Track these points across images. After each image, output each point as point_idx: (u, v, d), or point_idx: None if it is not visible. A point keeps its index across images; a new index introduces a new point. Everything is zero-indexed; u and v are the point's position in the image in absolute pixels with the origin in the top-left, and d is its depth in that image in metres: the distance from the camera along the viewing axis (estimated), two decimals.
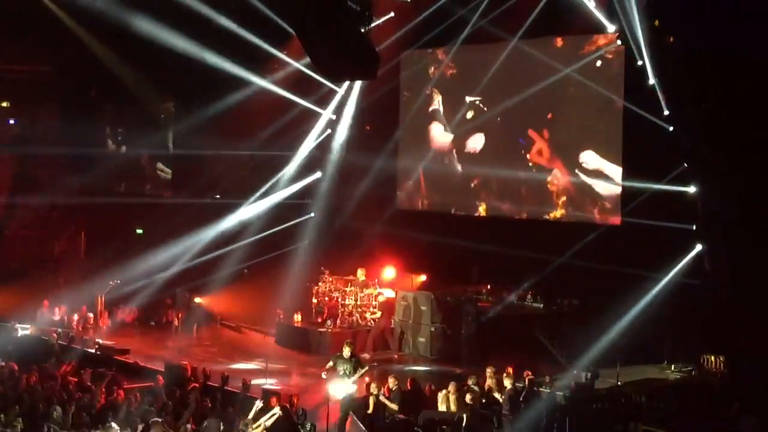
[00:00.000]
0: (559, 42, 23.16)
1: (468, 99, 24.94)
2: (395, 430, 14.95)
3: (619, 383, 18.07)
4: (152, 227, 26.14)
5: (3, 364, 17.22)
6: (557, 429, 15.22)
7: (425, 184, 26.65)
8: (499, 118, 24.45)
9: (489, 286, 25.47)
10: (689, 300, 21.43)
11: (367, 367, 16.18)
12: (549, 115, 23.63)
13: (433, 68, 26.01)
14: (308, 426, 14.66)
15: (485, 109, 24.70)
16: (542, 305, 24.29)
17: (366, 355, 21.57)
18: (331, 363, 15.87)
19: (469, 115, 25.15)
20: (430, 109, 26.08)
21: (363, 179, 26.51)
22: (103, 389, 15.95)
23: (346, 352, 15.97)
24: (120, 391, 15.75)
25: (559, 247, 22.99)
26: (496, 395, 16.29)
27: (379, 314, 23.01)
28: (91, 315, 24.12)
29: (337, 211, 26.52)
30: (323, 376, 15.82)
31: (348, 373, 15.54)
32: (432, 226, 25.51)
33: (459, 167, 25.80)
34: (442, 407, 15.33)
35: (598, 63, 22.33)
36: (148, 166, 27.49)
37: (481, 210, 25.58)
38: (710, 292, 21.09)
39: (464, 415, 14.85)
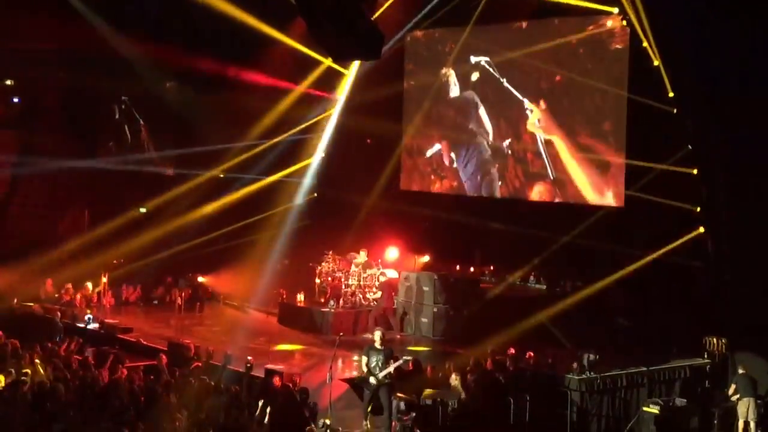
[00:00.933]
0: (563, 22, 23.02)
1: (473, 59, 24.76)
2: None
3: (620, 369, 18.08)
4: (155, 205, 26.03)
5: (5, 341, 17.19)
6: (560, 410, 15.22)
7: (429, 164, 26.59)
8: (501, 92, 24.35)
9: (492, 267, 25.51)
10: (691, 282, 21.45)
11: (402, 360, 14.86)
12: (551, 93, 23.53)
13: (439, 47, 25.87)
14: (311, 404, 14.65)
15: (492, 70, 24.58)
16: (545, 287, 24.35)
17: (369, 335, 21.61)
18: (364, 358, 14.86)
19: (474, 76, 25.01)
20: (435, 87, 25.96)
21: (366, 159, 26.48)
22: (107, 368, 15.95)
23: (378, 340, 14.81)
24: (123, 369, 15.75)
25: (562, 228, 22.97)
26: (498, 376, 16.30)
27: (379, 294, 23.00)
28: (94, 294, 24.13)
29: (339, 191, 26.43)
30: (328, 380, 14.72)
31: (380, 365, 14.48)
32: (435, 206, 25.49)
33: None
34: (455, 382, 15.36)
35: (603, 43, 22.21)
36: (147, 142, 27.42)
37: (484, 191, 25.54)
38: (713, 274, 21.10)
39: (462, 395, 14.88)
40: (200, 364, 16.99)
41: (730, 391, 16.73)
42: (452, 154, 26.10)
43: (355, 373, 16.52)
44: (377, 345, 14.80)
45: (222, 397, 14.40)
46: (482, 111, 24.96)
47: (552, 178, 23.59)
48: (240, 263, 24.94)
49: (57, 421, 12.49)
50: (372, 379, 14.37)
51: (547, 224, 22.80)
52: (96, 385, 14.79)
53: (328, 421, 14.10)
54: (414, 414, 14.62)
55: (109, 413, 12.88)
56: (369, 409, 14.35)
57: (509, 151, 24.49)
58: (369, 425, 14.26)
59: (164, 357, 17.12)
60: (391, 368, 14.41)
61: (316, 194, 27.19)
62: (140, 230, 24.55)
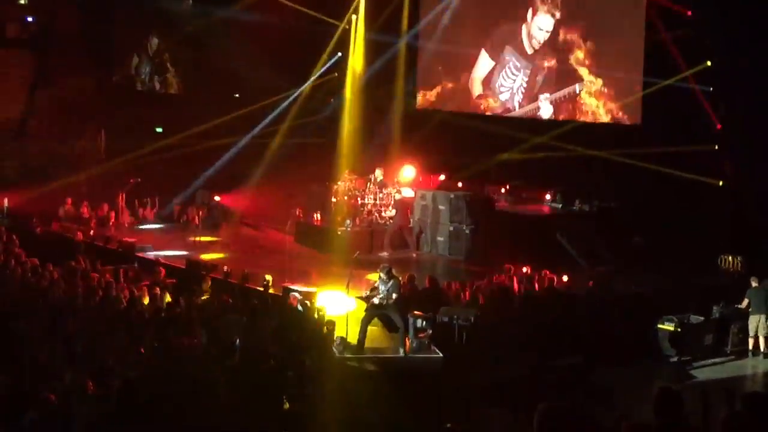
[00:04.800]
0: None
1: None
2: None
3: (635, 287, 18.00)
4: (171, 125, 25.92)
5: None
6: (573, 328, 15.16)
7: (445, 83, 26.30)
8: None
9: (508, 186, 25.33)
10: (709, 200, 21.27)
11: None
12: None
13: None
14: (328, 322, 14.62)
15: None
16: (561, 205, 24.20)
17: (384, 253, 21.58)
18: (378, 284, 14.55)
19: None
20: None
21: (383, 79, 26.19)
22: (125, 285, 15.97)
23: (384, 274, 14.38)
24: (143, 287, 15.77)
25: (579, 145, 22.78)
26: (514, 293, 16.24)
27: (394, 212, 22.87)
28: (112, 212, 24.14)
29: (357, 110, 26.20)
30: (346, 291, 14.70)
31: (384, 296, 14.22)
32: (452, 125, 25.26)
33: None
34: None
35: None
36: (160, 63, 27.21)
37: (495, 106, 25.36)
38: (730, 191, 20.91)
39: (476, 313, 14.84)
40: (218, 276, 17.05)
41: (743, 305, 16.66)
42: (473, 74, 25.87)
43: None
44: (384, 278, 14.47)
45: (239, 316, 14.41)
46: (505, 27, 24.73)
47: (571, 95, 23.35)
48: (257, 183, 24.85)
49: (76, 337, 12.51)
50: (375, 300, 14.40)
51: (564, 142, 22.60)
52: (115, 303, 14.82)
53: (344, 337, 14.12)
54: (430, 331, 14.60)
55: (128, 330, 12.90)
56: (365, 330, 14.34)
57: (529, 68, 24.24)
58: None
59: (162, 270, 17.12)
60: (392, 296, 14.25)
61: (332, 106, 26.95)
62: (157, 150, 24.44)
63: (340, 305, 15.50)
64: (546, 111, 25.63)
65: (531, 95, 25.74)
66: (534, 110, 25.69)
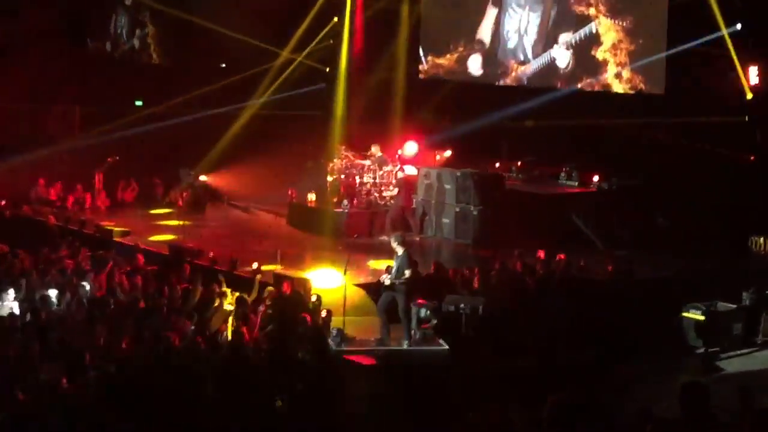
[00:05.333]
0: None
1: None
2: None
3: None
4: (152, 97, 25.89)
5: None
6: (590, 317, 15.19)
7: (452, 49, 26.31)
8: None
9: (519, 163, 25.33)
10: (739, 177, 21.26)
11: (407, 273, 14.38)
12: None
13: None
14: (324, 313, 14.69)
15: None
16: (577, 183, 24.20)
17: (385, 237, 21.58)
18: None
19: None
20: None
21: (383, 45, 26.15)
22: (104, 274, 16.02)
23: (397, 246, 14.60)
24: (121, 275, 15.82)
25: (599, 119, 22.77)
26: (526, 280, 16.28)
27: (396, 192, 22.88)
28: (88, 194, 24.15)
29: (354, 80, 26.16)
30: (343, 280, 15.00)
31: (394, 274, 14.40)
32: (459, 95, 25.25)
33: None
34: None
35: None
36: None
37: (510, 79, 25.33)
38: (763, 168, 20.91)
39: (485, 301, 14.90)
40: (203, 263, 17.14)
41: None
42: (479, 33, 25.87)
43: (370, 279, 16.53)
44: (396, 248, 14.66)
45: (227, 306, 14.48)
46: None
47: (588, 65, 23.38)
48: (245, 160, 24.87)
49: (51, 330, 12.58)
50: (384, 278, 14.45)
51: (581, 115, 22.59)
52: (92, 292, 14.89)
53: (341, 328, 14.19)
54: (435, 321, 14.67)
55: (107, 321, 12.96)
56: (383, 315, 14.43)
57: (539, 8, 24.30)
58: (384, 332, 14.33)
59: (140, 256, 17.18)
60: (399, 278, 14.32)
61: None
62: (136, 125, 24.45)
63: (330, 280, 15.62)
64: (562, 58, 25.37)
65: (543, 40, 25.61)
66: (550, 60, 25.52)
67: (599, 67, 24.59)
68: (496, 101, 24.67)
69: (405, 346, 14.20)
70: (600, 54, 24.52)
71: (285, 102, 26.32)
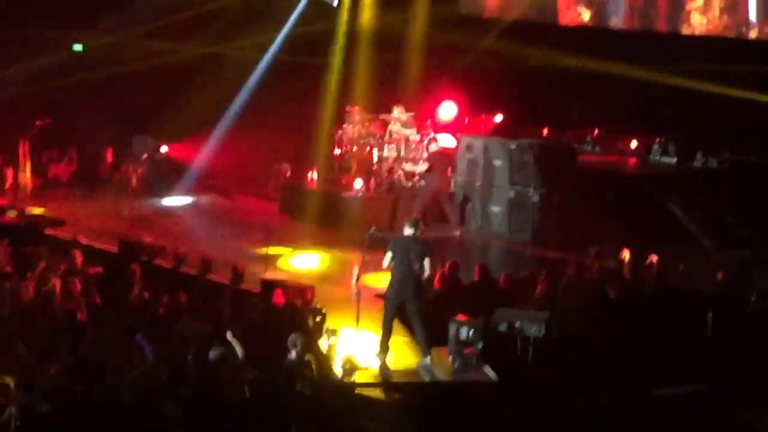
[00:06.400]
0: None
1: None
2: None
3: None
4: (97, 41, 25.94)
5: None
6: (693, 341, 15.19)
7: None
8: None
9: (597, 131, 25.31)
10: None
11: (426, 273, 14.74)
12: None
13: None
14: (328, 332, 14.69)
15: None
16: (675, 160, 24.15)
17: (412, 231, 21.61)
18: (389, 255, 14.77)
19: None
20: None
21: None
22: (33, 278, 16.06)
23: (410, 230, 14.88)
24: (55, 279, 15.85)
25: (700, 71, 22.75)
26: (607, 290, 16.27)
27: (426, 169, 22.87)
28: (9, 169, 24.25)
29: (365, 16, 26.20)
30: (354, 296, 14.94)
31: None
32: (512, 39, 25.24)
33: None
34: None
35: None
36: None
37: (585, 17, 25.32)
38: None
39: (549, 318, 14.90)
40: (166, 264, 17.19)
41: None
42: None
43: None
44: (410, 234, 14.80)
45: (198, 323, 14.49)
46: None
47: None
48: (223, 125, 24.94)
49: None
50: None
51: (677, 64, 22.59)
52: (15, 302, 14.93)
53: (351, 358, 14.21)
54: (481, 344, 14.65)
55: (33, 340, 12.99)
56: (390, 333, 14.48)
57: None
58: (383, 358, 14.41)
59: (77, 254, 17.20)
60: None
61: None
62: (74, 76, 24.55)
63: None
64: None
65: None
66: None
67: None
68: (563, 44, 24.63)
69: (428, 377, 14.21)
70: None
71: (279, 45, 26.34)
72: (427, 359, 14.34)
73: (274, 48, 26.52)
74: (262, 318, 14.73)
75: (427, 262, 14.49)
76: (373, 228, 16.65)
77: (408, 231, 14.78)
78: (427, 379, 14.24)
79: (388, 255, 14.61)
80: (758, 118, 23.23)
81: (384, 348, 14.46)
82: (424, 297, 14.69)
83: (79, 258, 17.11)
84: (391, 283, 14.60)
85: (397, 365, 14.56)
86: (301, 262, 18.98)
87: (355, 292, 14.80)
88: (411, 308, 14.45)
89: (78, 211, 22.31)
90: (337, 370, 14.04)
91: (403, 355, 14.83)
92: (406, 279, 14.42)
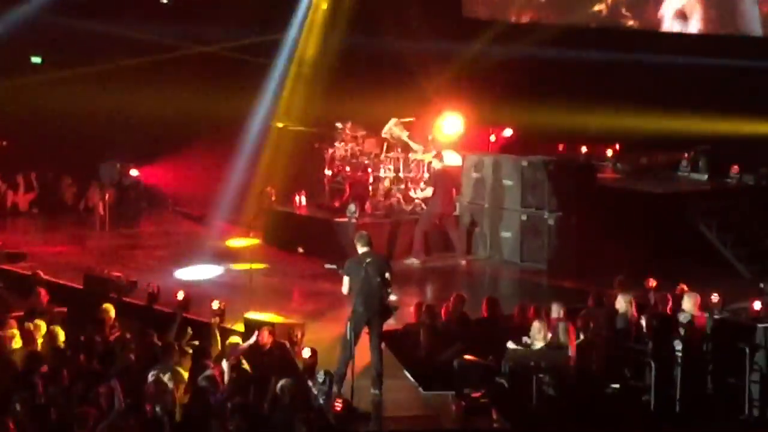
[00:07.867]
0: None
1: None
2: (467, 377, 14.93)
3: None
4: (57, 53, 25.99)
5: None
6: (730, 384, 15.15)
7: None
8: None
9: (618, 146, 25.33)
10: None
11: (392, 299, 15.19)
12: None
13: None
14: (321, 375, 14.65)
15: None
16: (707, 176, 24.16)
17: (414, 261, 21.56)
18: (345, 279, 14.89)
19: None
20: None
21: None
22: None
23: (362, 247, 14.98)
24: (11, 320, 15.82)
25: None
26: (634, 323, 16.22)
27: (430, 192, 22.88)
28: None
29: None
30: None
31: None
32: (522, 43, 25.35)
33: None
34: (538, 344, 15.34)
35: None
36: None
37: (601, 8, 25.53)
38: None
39: (568, 357, 14.85)
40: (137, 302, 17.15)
41: None
42: None
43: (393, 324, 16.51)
44: (364, 251, 14.83)
45: (174, 369, 14.44)
46: None
47: None
48: (198, 146, 24.97)
49: None
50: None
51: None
52: None
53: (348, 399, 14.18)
54: (490, 387, 14.61)
55: None
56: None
57: None
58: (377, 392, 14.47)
59: (42, 292, 17.15)
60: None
61: None
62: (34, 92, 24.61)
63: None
64: None
65: None
66: None
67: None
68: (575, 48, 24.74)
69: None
70: None
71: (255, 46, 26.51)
72: (377, 391, 14.46)
73: None
74: (246, 360, 14.69)
75: (388, 276, 14.58)
76: (326, 263, 16.64)
77: (361, 249, 14.81)
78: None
79: (345, 279, 14.71)
80: None
81: (341, 378, 14.45)
82: (388, 318, 14.81)
83: (44, 296, 17.08)
84: (354, 308, 14.57)
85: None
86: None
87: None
88: (373, 332, 14.56)
89: (40, 244, 22.28)
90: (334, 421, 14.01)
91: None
92: (369, 299, 14.48)
